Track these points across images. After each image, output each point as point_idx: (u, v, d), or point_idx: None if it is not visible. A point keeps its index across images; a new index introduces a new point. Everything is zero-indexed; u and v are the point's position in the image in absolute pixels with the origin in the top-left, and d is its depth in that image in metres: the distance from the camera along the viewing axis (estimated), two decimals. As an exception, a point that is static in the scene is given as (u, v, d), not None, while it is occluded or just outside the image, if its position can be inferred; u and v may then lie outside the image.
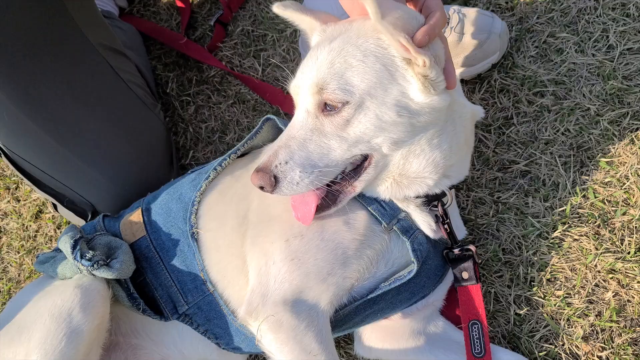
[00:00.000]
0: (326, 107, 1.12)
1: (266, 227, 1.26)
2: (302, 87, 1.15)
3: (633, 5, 1.65)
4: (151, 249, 1.38)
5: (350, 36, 1.12)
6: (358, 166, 1.18)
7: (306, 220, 1.19)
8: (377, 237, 1.22)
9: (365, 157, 1.17)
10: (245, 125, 1.92)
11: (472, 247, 1.32)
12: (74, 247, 1.31)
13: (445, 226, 1.29)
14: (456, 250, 1.32)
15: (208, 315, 1.35)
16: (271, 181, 1.12)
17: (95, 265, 1.29)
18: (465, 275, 1.33)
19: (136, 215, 1.44)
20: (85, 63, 1.56)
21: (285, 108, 1.85)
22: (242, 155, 1.48)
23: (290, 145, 1.13)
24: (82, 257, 1.30)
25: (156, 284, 1.37)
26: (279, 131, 1.45)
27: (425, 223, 1.27)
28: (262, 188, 1.15)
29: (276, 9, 1.27)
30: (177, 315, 1.37)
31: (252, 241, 1.27)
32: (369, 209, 1.23)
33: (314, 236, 1.21)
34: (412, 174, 1.21)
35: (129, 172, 1.66)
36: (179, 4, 2.18)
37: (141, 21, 2.22)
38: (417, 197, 1.25)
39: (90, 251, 1.31)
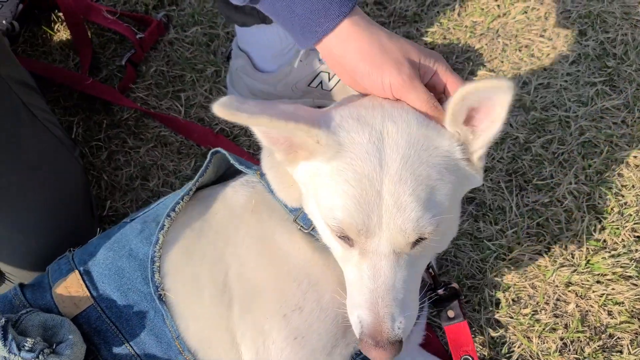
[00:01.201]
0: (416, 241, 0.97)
1: (256, 299, 1.12)
2: (375, 229, 0.93)
3: (535, 47, 1.84)
4: (104, 319, 1.16)
5: (409, 152, 0.93)
6: None
7: None
8: None
9: None
10: (171, 170, 1.75)
11: (455, 285, 1.31)
12: (4, 337, 1.04)
13: (430, 270, 1.28)
14: (440, 291, 1.30)
15: None
16: (400, 347, 0.97)
17: (40, 357, 1.03)
18: (451, 314, 1.30)
19: (74, 281, 1.20)
20: None
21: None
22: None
23: (397, 298, 0.96)
24: (19, 348, 1.04)
25: None
26: (225, 163, 1.32)
27: None
28: None
29: (224, 112, 0.87)
30: None
31: (241, 315, 1.12)
32: None
33: (313, 307, 1.10)
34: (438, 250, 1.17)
35: (45, 224, 1.41)
36: (79, 43, 1.98)
37: (31, 61, 1.97)
38: None
39: (27, 339, 1.05)
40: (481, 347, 1.40)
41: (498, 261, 1.49)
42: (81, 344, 1.11)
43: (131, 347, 1.15)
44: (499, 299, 1.45)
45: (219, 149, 1.30)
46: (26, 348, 1.04)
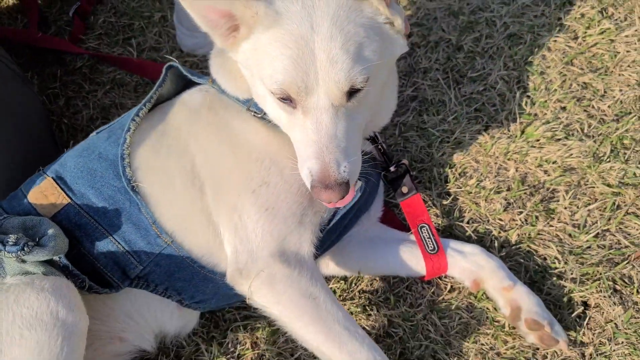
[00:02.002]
0: (351, 92, 1.07)
1: (225, 181, 1.22)
2: (313, 86, 1.04)
3: (458, -37, 1.99)
4: (83, 214, 1.23)
5: (337, 13, 1.04)
6: None
7: (346, 199, 1.14)
8: None
9: None
10: (130, 107, 1.81)
11: (405, 162, 1.43)
12: None
13: (379, 146, 1.39)
14: (392, 168, 1.42)
15: (169, 269, 1.25)
16: (347, 187, 1.07)
17: (25, 249, 1.09)
18: (404, 190, 1.42)
19: (48, 185, 1.26)
20: None
21: (172, 80, 1.81)
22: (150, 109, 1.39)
23: (339, 145, 1.06)
24: (3, 244, 1.10)
25: (96, 253, 1.22)
26: (182, 80, 1.41)
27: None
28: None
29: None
30: (128, 281, 1.24)
31: (214, 198, 1.22)
32: None
33: (277, 180, 1.20)
34: (379, 116, 1.29)
35: (9, 153, 1.46)
36: (25, 5, 2.03)
37: (-21, 26, 2.01)
38: None
39: (10, 235, 1.11)
40: (435, 217, 1.53)
41: (443, 144, 1.62)
42: (63, 236, 1.17)
43: (112, 236, 1.22)
44: (447, 175, 1.58)
45: (172, 62, 1.39)
46: (10, 243, 1.10)
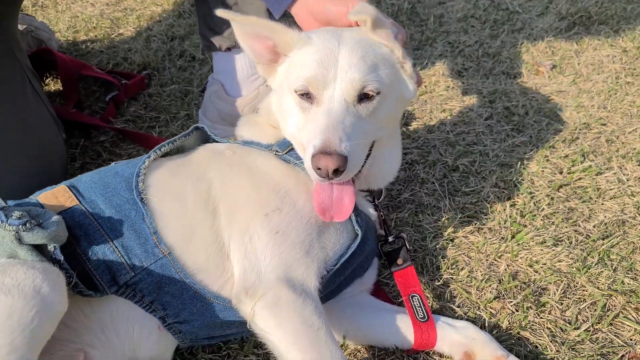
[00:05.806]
0: (361, 97, 1.22)
1: (240, 204, 1.28)
2: (331, 81, 1.21)
3: (456, 110, 2.26)
4: (87, 216, 1.24)
5: (364, 41, 1.25)
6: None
7: (344, 214, 1.23)
8: None
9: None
10: (141, 176, 1.91)
11: (403, 235, 1.49)
12: None
13: (381, 214, 1.47)
14: (390, 238, 1.48)
15: (160, 281, 1.22)
16: (345, 162, 1.14)
17: (27, 225, 1.09)
18: (399, 261, 1.46)
19: (61, 190, 1.29)
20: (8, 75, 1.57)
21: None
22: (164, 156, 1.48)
23: (345, 130, 1.17)
24: (6, 217, 1.10)
25: (90, 254, 1.21)
26: (205, 140, 1.54)
27: (364, 204, 1.43)
28: (336, 172, 1.14)
29: (224, 13, 1.27)
30: (116, 287, 1.21)
31: (228, 219, 1.26)
32: None
33: (290, 208, 1.27)
34: (384, 168, 1.41)
35: (19, 187, 1.51)
36: (67, 91, 2.25)
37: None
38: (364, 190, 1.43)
39: (15, 211, 1.12)
40: (426, 298, 1.50)
41: (437, 239, 1.67)
42: (64, 227, 1.17)
43: (111, 241, 1.22)
44: (439, 265, 1.59)
45: (198, 124, 1.53)
46: (13, 217, 1.10)
